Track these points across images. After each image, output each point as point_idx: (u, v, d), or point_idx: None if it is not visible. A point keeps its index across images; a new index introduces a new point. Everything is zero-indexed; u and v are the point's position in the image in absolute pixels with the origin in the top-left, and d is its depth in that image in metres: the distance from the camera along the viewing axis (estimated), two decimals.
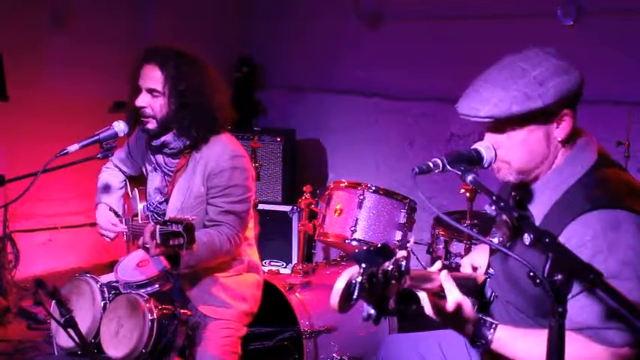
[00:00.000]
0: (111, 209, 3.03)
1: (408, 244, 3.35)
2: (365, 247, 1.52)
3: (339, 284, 1.47)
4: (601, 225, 1.76)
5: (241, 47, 5.97)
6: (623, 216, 1.77)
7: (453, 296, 1.81)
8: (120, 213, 3.06)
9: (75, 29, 5.00)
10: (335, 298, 1.47)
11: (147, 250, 2.48)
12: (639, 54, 3.93)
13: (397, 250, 1.57)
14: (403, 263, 1.55)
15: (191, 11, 5.58)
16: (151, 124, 2.78)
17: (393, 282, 1.52)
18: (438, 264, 1.96)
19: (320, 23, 5.58)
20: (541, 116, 1.85)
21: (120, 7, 5.28)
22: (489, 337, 1.82)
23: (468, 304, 1.83)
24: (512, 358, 1.83)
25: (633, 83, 3.94)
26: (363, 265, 1.45)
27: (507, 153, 1.90)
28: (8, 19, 4.65)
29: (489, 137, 1.92)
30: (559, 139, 1.89)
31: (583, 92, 1.89)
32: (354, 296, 1.45)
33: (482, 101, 1.84)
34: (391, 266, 1.51)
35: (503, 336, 1.82)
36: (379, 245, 1.50)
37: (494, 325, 1.83)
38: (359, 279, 1.44)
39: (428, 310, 1.86)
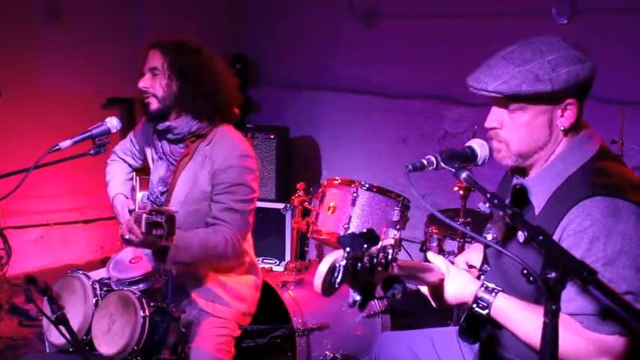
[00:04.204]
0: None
1: (394, 234, 3.34)
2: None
3: (323, 267, 1.46)
4: (601, 211, 1.77)
5: (235, 44, 5.95)
6: (623, 204, 1.78)
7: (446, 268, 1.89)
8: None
9: (69, 25, 4.97)
10: (318, 280, 1.46)
11: (128, 241, 2.50)
12: (633, 53, 3.94)
13: (384, 236, 1.57)
14: (390, 251, 1.54)
15: (185, 8, 5.57)
16: (153, 104, 2.80)
17: (380, 269, 1.52)
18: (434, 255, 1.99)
19: (314, 20, 5.57)
20: (547, 101, 1.86)
21: (114, 3, 5.26)
22: (490, 300, 1.84)
23: (468, 275, 1.88)
24: (508, 327, 1.85)
25: (627, 82, 3.94)
26: (348, 249, 1.45)
27: (508, 133, 1.92)
28: (1, 13, 4.62)
29: (495, 113, 1.93)
30: (562, 127, 1.90)
31: (592, 85, 1.90)
32: (338, 280, 1.44)
33: (493, 76, 1.85)
34: (378, 252, 1.51)
35: (503, 303, 1.84)
36: (365, 230, 1.49)
37: (496, 291, 1.86)
38: (343, 262, 1.44)
39: (427, 295, 1.90)
